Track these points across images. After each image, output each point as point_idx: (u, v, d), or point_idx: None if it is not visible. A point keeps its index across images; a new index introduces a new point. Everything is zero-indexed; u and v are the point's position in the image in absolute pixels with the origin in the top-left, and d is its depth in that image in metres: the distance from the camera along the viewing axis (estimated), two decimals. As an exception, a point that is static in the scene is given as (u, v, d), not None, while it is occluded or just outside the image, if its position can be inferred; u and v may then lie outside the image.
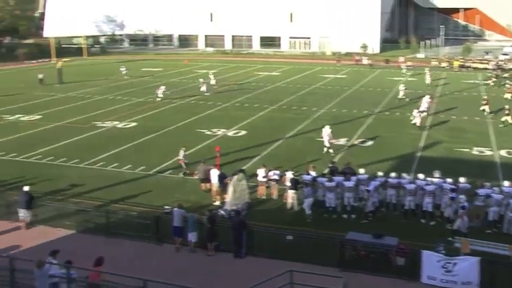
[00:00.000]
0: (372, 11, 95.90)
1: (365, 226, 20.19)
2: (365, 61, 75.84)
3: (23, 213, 20.84)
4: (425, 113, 39.22)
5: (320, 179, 22.30)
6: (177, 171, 27.01)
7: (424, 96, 42.68)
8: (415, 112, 37.73)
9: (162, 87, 49.14)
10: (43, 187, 24.82)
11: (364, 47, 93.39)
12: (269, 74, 67.28)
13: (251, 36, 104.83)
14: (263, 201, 23.29)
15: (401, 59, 75.66)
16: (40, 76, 59.12)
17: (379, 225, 20.16)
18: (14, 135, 35.23)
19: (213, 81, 55.35)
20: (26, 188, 21.36)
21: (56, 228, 20.63)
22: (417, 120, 36.81)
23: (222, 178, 23.11)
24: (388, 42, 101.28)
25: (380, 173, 22.66)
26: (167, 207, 21.85)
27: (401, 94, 46.86)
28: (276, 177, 23.42)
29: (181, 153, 26.77)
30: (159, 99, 47.10)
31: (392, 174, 22.28)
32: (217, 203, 22.85)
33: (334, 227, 20.30)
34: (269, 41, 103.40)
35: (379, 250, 17.59)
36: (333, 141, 31.03)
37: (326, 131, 30.84)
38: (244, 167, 25.58)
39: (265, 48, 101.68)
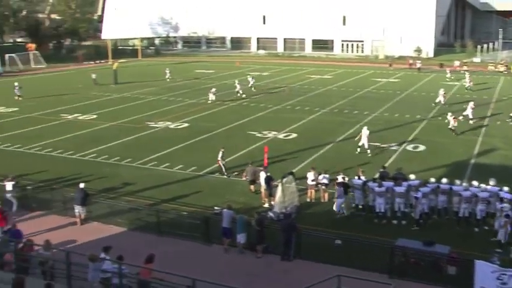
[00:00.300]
0: (427, 13, 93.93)
1: (415, 233, 19.78)
2: (418, 65, 74.42)
3: (78, 210, 21.46)
4: (471, 120, 38.79)
5: (370, 184, 22.02)
6: (227, 172, 27.18)
7: (469, 101, 41.75)
8: (449, 116, 37.03)
9: (213, 89, 49.59)
10: (97, 185, 25.48)
11: (418, 50, 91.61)
12: (321, 77, 66.92)
13: (304, 39, 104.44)
14: (312, 205, 23.16)
15: (457, 63, 73.86)
16: (93, 76, 61.14)
17: (430, 232, 19.71)
18: (71, 134, 36.31)
19: (251, 83, 54.89)
20: (82, 185, 21.98)
21: (108, 225, 21.14)
22: (452, 124, 36.12)
23: (269, 180, 23.12)
24: (443, 46, 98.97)
25: (432, 179, 22.16)
26: (217, 208, 22.03)
27: (439, 99, 45.83)
28: (326, 180, 23.25)
29: (220, 154, 27.02)
30: (210, 101, 47.45)
31: (444, 180, 21.76)
32: (266, 205, 22.87)
33: (384, 232, 19.98)
34: (321, 44, 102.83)
35: (429, 258, 17.20)
36: (367, 143, 31.07)
37: (365, 132, 30.98)
38: (294, 170, 25.49)
39: (317, 51, 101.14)
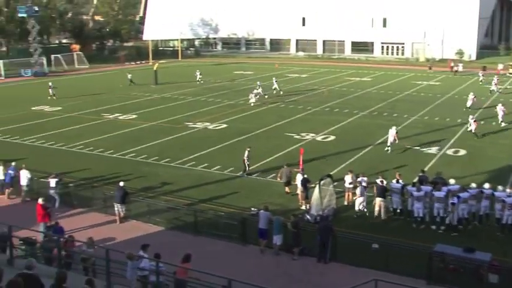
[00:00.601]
0: (470, 16, 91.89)
1: (455, 239, 19.38)
2: (458, 68, 72.80)
3: (118, 208, 21.83)
4: (502, 123, 38.65)
5: (409, 188, 21.70)
6: (264, 174, 27.22)
7: (497, 104, 41.12)
8: (470, 118, 36.63)
9: (258, 90, 49.61)
10: (136, 184, 25.87)
11: (460, 53, 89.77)
12: (360, 80, 66.33)
13: (343, 41, 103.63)
14: (349, 208, 22.95)
15: (501, 66, 72.02)
16: (129, 76, 62.09)
17: (470, 238, 19.29)
18: (111, 133, 36.97)
19: (275, 86, 54.39)
20: (122, 184, 22.35)
21: (146, 224, 21.43)
22: (473, 127, 35.53)
23: (305, 182, 23.03)
24: (487, 49, 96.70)
25: (473, 184, 21.68)
26: (254, 209, 22.08)
27: (469, 102, 44.83)
28: (364, 183, 23.02)
29: (246, 153, 27.06)
30: (252, 104, 47.31)
31: (486, 186, 21.25)
32: (303, 207, 22.80)
33: (422, 237, 19.64)
34: (361, 46, 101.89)
35: (469, 265, 16.79)
36: (396, 141, 31.54)
37: (392, 131, 31.52)
38: (331, 172, 25.32)
39: (356, 54, 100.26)
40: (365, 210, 22.11)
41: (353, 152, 31.69)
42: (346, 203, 23.31)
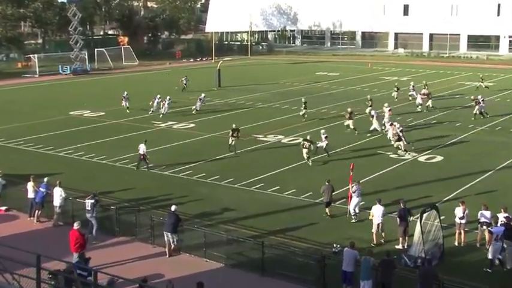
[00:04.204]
0: None
1: None
2: None
3: (168, 237, 22.10)
4: None
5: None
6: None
7: None
8: None
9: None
10: (191, 208, 26.19)
11: None
12: (479, 85, 64.70)
13: (457, 34, 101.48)
14: (461, 250, 22.33)
15: None
16: (184, 81, 60.23)
17: None
18: (164, 145, 37.75)
19: (411, 93, 53.47)
20: (174, 208, 22.63)
21: (202, 259, 21.61)
22: None
23: (405, 214, 22.55)
24: None
25: None
26: (336, 245, 21.84)
27: None
28: (484, 219, 22.29)
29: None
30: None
31: None
32: (399, 246, 22.37)
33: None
34: (481, 42, 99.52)
35: None
36: None
37: None
38: (437, 203, 24.74)
39: (475, 51, 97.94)
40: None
41: (466, 177, 30.88)
42: (456, 243, 22.67)
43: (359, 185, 25.41)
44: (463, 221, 22.75)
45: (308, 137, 33.97)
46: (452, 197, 27.42)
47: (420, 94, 50.34)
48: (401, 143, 35.65)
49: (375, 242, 22.82)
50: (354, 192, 25.08)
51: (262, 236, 23.21)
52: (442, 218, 22.70)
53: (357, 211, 25.06)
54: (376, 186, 28.77)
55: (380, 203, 23.41)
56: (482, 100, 46.09)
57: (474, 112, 45.58)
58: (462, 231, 22.85)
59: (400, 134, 35.79)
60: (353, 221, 24.92)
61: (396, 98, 53.60)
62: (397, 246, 22.39)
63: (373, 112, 42.37)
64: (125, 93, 49.74)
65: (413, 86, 54.18)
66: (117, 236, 23.70)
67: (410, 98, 52.88)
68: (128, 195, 28.23)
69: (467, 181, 30.36)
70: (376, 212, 23.10)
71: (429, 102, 49.14)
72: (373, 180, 30.23)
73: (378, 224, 23.02)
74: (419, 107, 49.29)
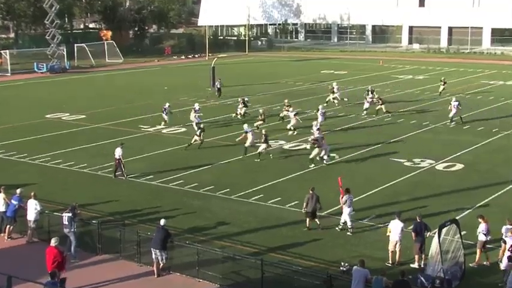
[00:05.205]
0: None
1: None
2: None
3: (156, 255, 22.02)
4: None
5: None
6: (357, 215, 26.90)
7: None
8: None
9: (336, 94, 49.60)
10: (182, 222, 26.14)
11: None
12: (504, 84, 65.18)
13: (480, 28, 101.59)
14: (483, 270, 22.32)
15: None
16: (217, 85, 58.79)
17: None
18: (151, 152, 37.69)
19: (336, 94, 53.19)
20: (163, 222, 22.55)
21: (194, 279, 21.54)
22: None
23: (422, 229, 22.51)
24: None
25: None
26: (344, 264, 21.82)
27: None
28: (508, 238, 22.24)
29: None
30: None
31: None
32: (415, 265, 22.35)
33: None
34: (507, 36, 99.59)
35: None
36: None
37: None
38: (457, 217, 24.72)
39: (500, 46, 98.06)
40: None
41: (489, 189, 30.85)
42: (474, 265, 22.50)
43: (350, 194, 25.65)
44: (484, 239, 22.64)
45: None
46: (474, 210, 27.38)
47: (371, 99, 49.88)
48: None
49: (390, 261, 22.79)
50: (344, 203, 25.37)
51: (261, 253, 23.16)
52: (463, 233, 22.69)
53: (350, 222, 25.31)
54: (388, 197, 28.83)
55: (399, 217, 23.23)
56: (459, 104, 45.69)
57: (451, 116, 45.55)
58: (483, 249, 22.74)
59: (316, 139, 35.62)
60: (349, 233, 25.15)
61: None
62: (412, 265, 22.38)
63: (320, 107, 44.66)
64: (167, 105, 45.70)
65: (337, 88, 54.04)
66: (99, 253, 23.60)
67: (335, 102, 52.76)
68: (111, 207, 28.16)
69: (490, 192, 30.31)
70: (395, 228, 22.97)
71: (380, 107, 48.80)
72: (385, 191, 30.24)
73: (396, 242, 22.93)
74: (365, 111, 49.11)
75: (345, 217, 25.36)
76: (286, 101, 47.56)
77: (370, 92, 50.34)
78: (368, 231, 25.69)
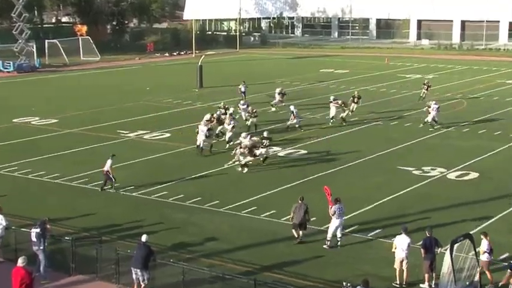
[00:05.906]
0: None
1: None
2: None
3: (137, 274, 21.93)
4: None
5: None
6: (363, 229, 26.91)
7: None
8: None
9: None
10: (165, 238, 26.08)
11: None
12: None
13: (497, 21, 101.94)
14: (502, 288, 22.33)
15: None
16: (277, 94, 56.26)
17: None
18: (132, 160, 37.58)
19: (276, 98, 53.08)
20: (144, 238, 22.48)
21: (180, 302, 21.52)
22: None
23: (431, 245, 22.51)
24: None
25: None
26: (347, 283, 21.78)
27: None
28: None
29: None
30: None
31: None
32: (425, 285, 22.33)
33: None
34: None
35: None
36: None
37: None
38: (472, 232, 24.72)
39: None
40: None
41: (506, 200, 30.91)
42: (490, 285, 22.45)
43: (340, 203, 25.64)
44: (491, 258, 22.66)
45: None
46: (490, 223, 27.44)
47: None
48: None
49: (398, 280, 22.76)
50: (333, 214, 25.50)
51: (254, 272, 23.14)
52: (478, 250, 22.71)
53: (339, 235, 25.55)
54: (395, 209, 28.83)
55: (406, 232, 23.22)
56: (438, 107, 45.77)
57: (426, 119, 45.93)
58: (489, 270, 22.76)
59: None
60: (325, 246, 25.49)
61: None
62: (422, 286, 22.40)
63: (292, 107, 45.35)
64: (231, 109, 44.16)
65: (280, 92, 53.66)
66: (73, 274, 23.49)
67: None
68: (87, 222, 28.02)
69: (508, 205, 30.39)
70: (401, 244, 22.97)
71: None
72: (392, 203, 30.26)
73: (402, 259, 22.88)
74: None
75: (332, 230, 25.55)
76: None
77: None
78: (373, 247, 25.70)
